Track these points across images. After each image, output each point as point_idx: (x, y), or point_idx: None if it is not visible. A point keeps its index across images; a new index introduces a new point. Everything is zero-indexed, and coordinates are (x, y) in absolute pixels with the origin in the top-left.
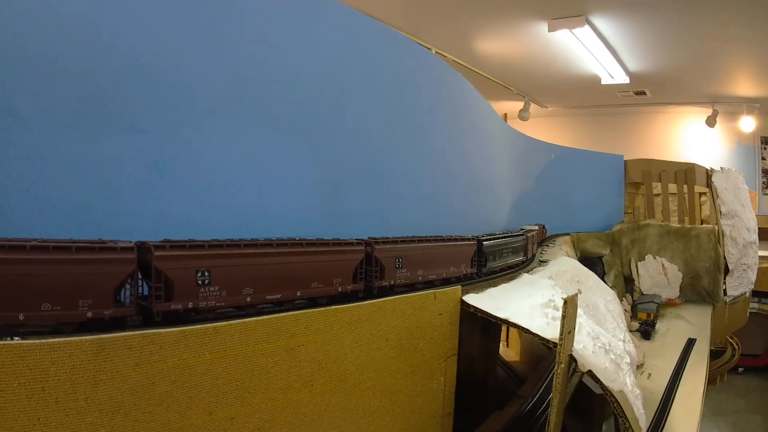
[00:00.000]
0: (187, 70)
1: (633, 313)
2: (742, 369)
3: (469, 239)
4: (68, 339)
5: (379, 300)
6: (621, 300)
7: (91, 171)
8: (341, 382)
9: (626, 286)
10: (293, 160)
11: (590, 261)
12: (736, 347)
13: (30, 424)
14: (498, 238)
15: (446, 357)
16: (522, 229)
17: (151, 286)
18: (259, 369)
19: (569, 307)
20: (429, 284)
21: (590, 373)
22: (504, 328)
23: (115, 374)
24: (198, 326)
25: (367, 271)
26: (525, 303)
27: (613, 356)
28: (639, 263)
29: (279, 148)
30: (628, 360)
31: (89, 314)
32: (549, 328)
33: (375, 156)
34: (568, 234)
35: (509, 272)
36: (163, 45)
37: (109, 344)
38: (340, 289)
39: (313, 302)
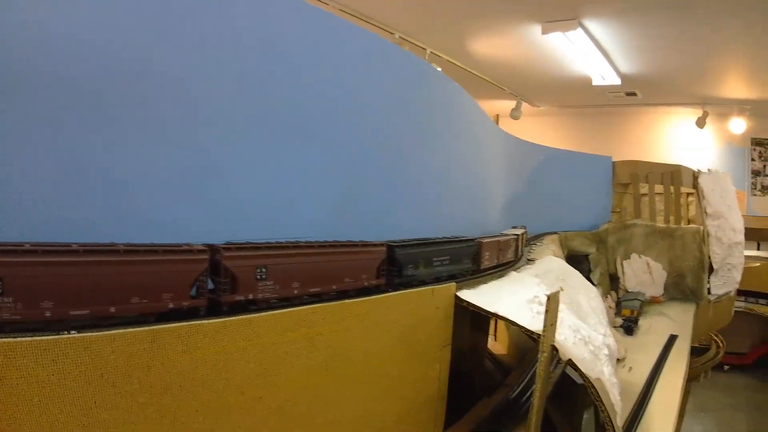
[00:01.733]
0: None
1: (617, 309)
2: (728, 367)
3: (375, 245)
4: (127, 330)
5: (384, 295)
6: (606, 297)
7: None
8: (352, 367)
9: (612, 283)
10: (310, 168)
11: (577, 259)
12: (721, 345)
13: (87, 406)
14: (421, 245)
15: (442, 347)
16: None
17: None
18: (284, 355)
19: (551, 302)
20: (317, 297)
21: (570, 361)
22: (492, 322)
23: (165, 360)
24: (235, 318)
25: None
26: (513, 299)
27: (592, 348)
28: (624, 262)
29: (303, 158)
30: (606, 352)
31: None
32: (534, 322)
33: (389, 165)
34: (555, 233)
35: (495, 271)
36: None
37: (162, 334)
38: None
39: (343, 295)
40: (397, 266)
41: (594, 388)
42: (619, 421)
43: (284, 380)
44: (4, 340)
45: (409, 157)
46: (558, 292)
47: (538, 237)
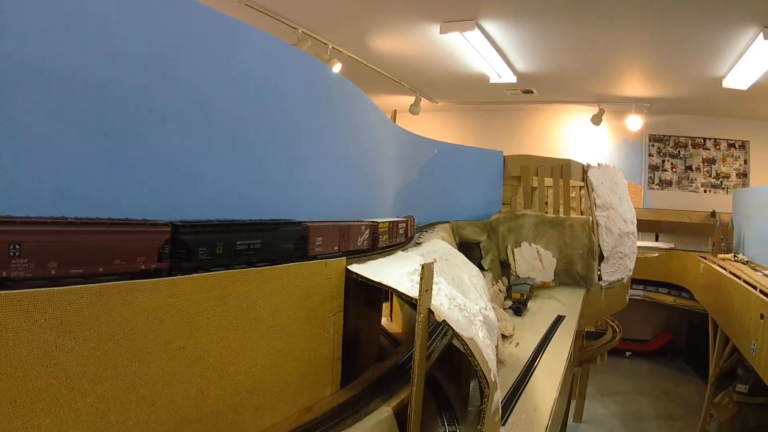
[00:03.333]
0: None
1: (508, 293)
2: (630, 353)
3: (157, 224)
4: (79, 286)
5: (285, 265)
6: (497, 282)
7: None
8: (258, 324)
9: (503, 270)
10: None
11: (468, 246)
12: (617, 330)
13: (49, 349)
14: (219, 226)
15: (334, 312)
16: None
17: None
18: (202, 311)
19: (426, 271)
20: (86, 278)
21: (444, 322)
22: (387, 305)
23: (110, 311)
24: (164, 279)
25: None
26: (396, 272)
27: (467, 314)
28: (515, 249)
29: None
30: (481, 319)
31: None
32: (413, 290)
33: (293, 156)
34: (447, 222)
35: (387, 250)
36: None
37: (108, 289)
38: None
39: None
40: (184, 249)
41: (467, 345)
42: (493, 377)
43: (203, 333)
44: None
45: (305, 150)
46: (432, 263)
47: (430, 225)
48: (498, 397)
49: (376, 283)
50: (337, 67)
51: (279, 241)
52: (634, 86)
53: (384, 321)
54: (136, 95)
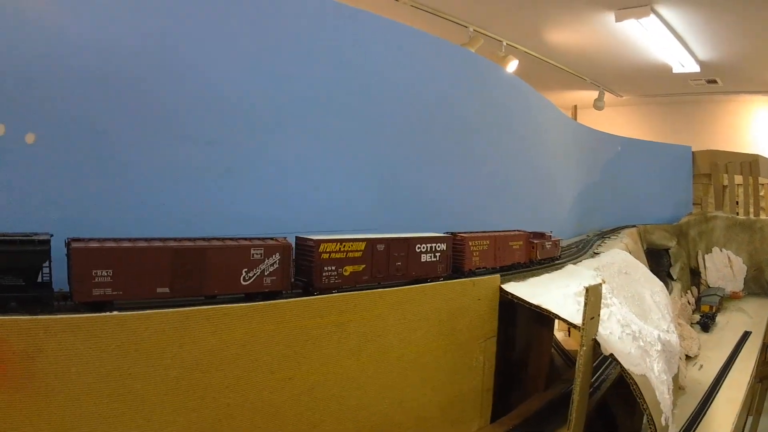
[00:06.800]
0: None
1: (696, 305)
2: None
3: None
4: (157, 311)
5: (420, 285)
6: (685, 293)
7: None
8: (385, 354)
9: (692, 278)
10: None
11: (657, 253)
12: None
13: (121, 377)
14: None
15: (485, 338)
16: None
17: None
18: (313, 339)
19: (591, 295)
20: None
21: (612, 356)
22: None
23: (196, 339)
24: (261, 303)
25: None
26: (560, 292)
27: (641, 343)
28: (706, 256)
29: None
30: (658, 348)
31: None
32: (578, 315)
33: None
34: (634, 226)
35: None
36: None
37: (192, 315)
38: None
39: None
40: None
41: (636, 384)
42: (664, 420)
43: (314, 363)
44: (42, 317)
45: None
46: (599, 285)
47: (614, 230)
48: None
49: (534, 306)
50: (513, 65)
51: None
52: None
53: (561, 336)
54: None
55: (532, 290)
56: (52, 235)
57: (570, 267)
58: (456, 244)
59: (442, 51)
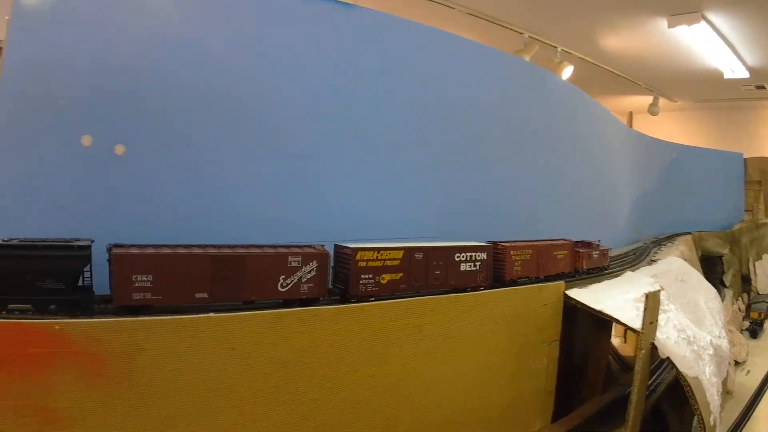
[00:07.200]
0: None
1: (746, 312)
2: None
3: None
4: (256, 312)
5: (490, 291)
6: (737, 299)
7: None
8: (457, 355)
9: (743, 285)
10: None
11: (711, 260)
12: None
13: (217, 375)
14: None
15: (549, 342)
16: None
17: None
18: (395, 340)
19: (651, 301)
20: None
21: (668, 359)
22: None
23: (288, 338)
24: (348, 305)
25: None
26: (621, 297)
27: (696, 347)
28: (756, 263)
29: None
30: (711, 352)
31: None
32: (637, 320)
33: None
34: (689, 233)
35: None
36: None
37: (285, 316)
38: None
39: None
40: None
41: (689, 386)
42: (713, 420)
43: (395, 362)
44: (144, 318)
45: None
46: (658, 292)
47: (669, 237)
48: None
49: (596, 311)
50: (568, 71)
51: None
52: None
53: (617, 342)
54: None
55: (595, 296)
56: (92, 241)
57: (629, 274)
58: (497, 253)
59: (510, 66)
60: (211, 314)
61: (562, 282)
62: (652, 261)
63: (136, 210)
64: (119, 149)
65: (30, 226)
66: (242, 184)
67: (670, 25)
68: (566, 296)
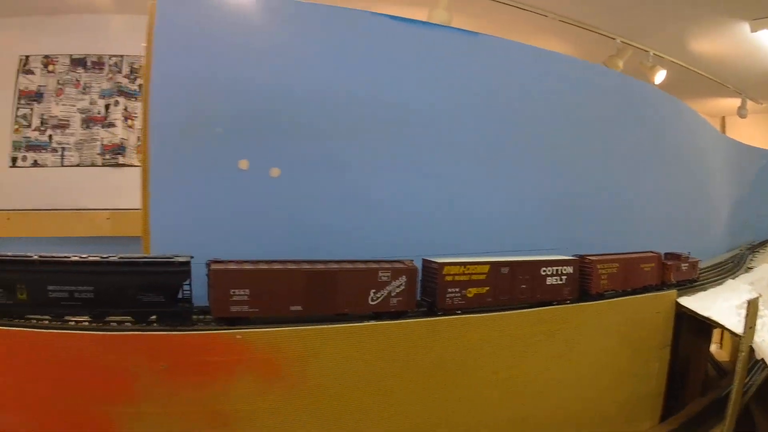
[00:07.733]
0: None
1: None
2: None
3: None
4: (412, 320)
5: (611, 300)
6: None
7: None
8: (582, 358)
9: None
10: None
11: None
12: None
13: (377, 376)
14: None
15: (661, 347)
16: None
17: None
18: (530, 345)
19: (751, 307)
20: None
21: (763, 360)
22: (717, 331)
23: (442, 343)
24: (488, 314)
25: None
26: (725, 304)
27: None
28: None
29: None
30: None
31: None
32: (739, 326)
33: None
34: None
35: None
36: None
37: (439, 324)
38: None
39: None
40: None
41: None
42: None
43: (530, 364)
44: (316, 326)
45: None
46: (757, 299)
47: (763, 244)
48: None
49: (704, 317)
50: (661, 75)
51: (124, 289)
52: None
53: (714, 348)
54: None
55: (702, 304)
56: (192, 257)
57: (730, 281)
58: (584, 266)
59: (605, 78)
60: (372, 322)
61: (674, 291)
62: (749, 268)
63: (289, 227)
64: (274, 172)
65: (192, 245)
66: (389, 202)
67: (753, 30)
68: (677, 303)
